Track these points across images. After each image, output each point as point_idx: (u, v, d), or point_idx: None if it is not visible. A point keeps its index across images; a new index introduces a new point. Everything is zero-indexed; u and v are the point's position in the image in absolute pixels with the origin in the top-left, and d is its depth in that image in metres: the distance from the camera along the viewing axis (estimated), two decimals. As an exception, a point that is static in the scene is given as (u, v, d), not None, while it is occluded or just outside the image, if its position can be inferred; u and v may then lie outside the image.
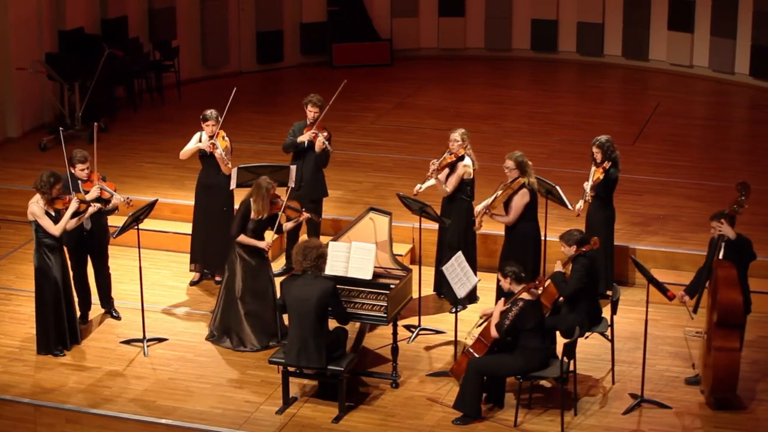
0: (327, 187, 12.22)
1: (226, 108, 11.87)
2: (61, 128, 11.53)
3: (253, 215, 10.71)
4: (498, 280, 11.27)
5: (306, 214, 11.04)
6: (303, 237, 12.06)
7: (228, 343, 10.87)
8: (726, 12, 18.49)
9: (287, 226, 10.94)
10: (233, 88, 12.10)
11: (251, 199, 10.72)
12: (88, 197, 10.75)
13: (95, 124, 11.51)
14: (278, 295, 10.69)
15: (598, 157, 11.36)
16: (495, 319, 9.51)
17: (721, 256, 9.96)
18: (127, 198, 10.98)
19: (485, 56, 20.58)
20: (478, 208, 11.15)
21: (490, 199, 11.03)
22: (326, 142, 11.85)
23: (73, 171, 10.91)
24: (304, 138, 11.89)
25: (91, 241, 11.10)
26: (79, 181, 10.92)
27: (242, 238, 10.74)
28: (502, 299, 9.65)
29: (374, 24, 20.34)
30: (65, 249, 10.94)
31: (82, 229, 10.92)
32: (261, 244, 10.74)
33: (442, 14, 20.53)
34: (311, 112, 11.92)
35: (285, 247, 12.43)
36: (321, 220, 11.82)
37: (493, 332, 9.49)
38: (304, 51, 20.23)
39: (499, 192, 10.97)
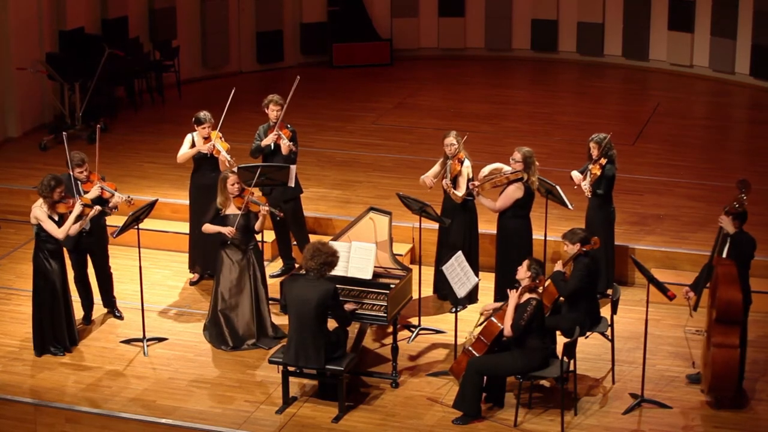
0: (300, 184, 12.12)
1: (225, 109, 11.88)
2: (64, 132, 11.52)
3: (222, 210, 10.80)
4: (496, 278, 11.33)
5: (265, 209, 10.73)
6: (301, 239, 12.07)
7: (210, 337, 10.90)
8: (726, 12, 18.48)
9: (257, 225, 10.83)
10: (233, 88, 12.09)
11: None
12: (87, 196, 10.77)
13: (97, 126, 11.49)
14: (263, 294, 10.80)
15: (594, 153, 11.35)
16: (509, 318, 9.47)
17: (725, 252, 9.95)
18: (129, 197, 10.99)
19: (485, 56, 20.58)
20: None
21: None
22: (290, 143, 11.77)
23: (72, 174, 10.93)
24: (269, 141, 11.82)
25: (89, 241, 11.10)
26: (79, 182, 10.94)
27: (206, 227, 10.79)
28: (512, 291, 9.59)
29: (374, 24, 20.33)
30: (65, 250, 10.94)
31: (81, 230, 10.94)
32: (223, 230, 10.69)
33: (442, 14, 20.52)
34: (273, 111, 11.82)
35: (279, 247, 12.37)
36: (282, 216, 11.18)
37: (508, 332, 9.45)
38: (304, 51, 20.22)
39: (492, 174, 11.13)
